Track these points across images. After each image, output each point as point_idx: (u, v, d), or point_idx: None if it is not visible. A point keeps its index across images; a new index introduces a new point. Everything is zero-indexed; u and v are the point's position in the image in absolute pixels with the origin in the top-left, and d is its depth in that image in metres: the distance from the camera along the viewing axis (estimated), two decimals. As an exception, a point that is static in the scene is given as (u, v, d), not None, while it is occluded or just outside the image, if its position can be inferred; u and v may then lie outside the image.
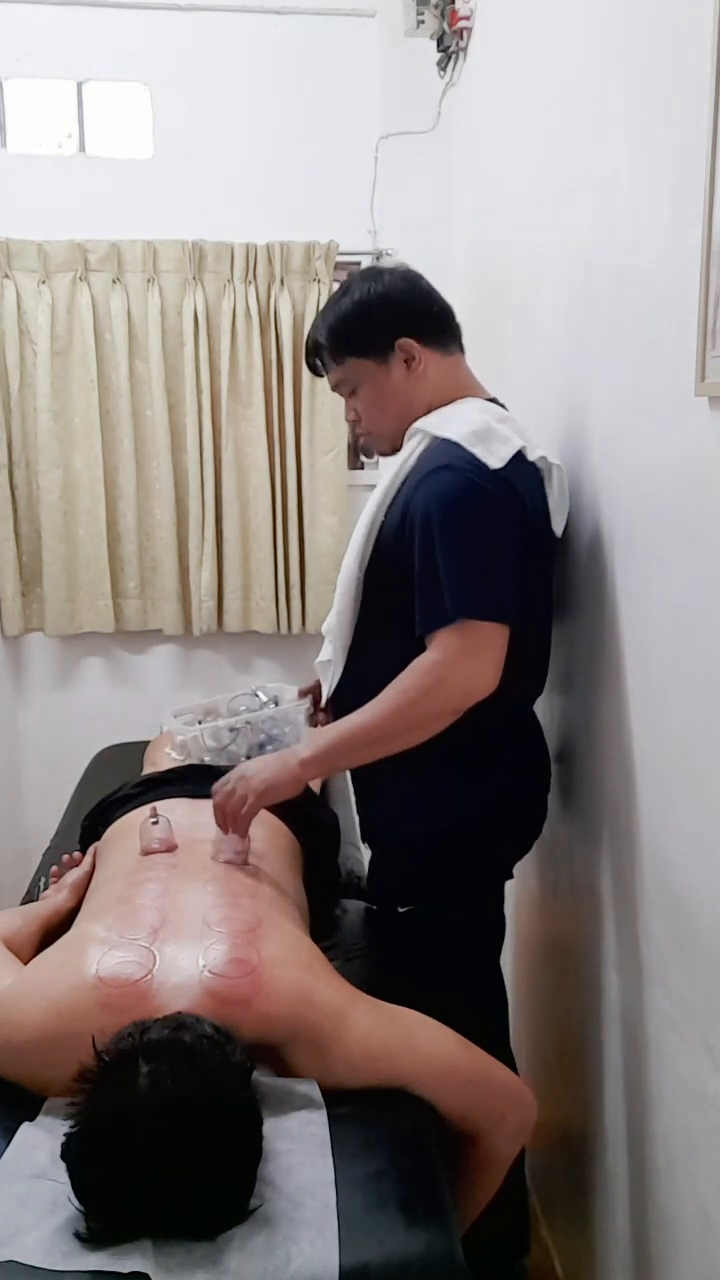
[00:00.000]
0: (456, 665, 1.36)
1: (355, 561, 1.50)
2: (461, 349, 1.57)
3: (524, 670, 1.48)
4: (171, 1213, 0.97)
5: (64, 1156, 1.00)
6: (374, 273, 1.57)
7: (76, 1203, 0.99)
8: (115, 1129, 0.97)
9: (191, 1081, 0.99)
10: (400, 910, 1.61)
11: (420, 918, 1.58)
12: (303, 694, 1.87)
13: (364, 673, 1.50)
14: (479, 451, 1.37)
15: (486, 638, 1.36)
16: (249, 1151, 1.04)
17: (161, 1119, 0.96)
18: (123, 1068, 1.00)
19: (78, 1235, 0.98)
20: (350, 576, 1.51)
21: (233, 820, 1.47)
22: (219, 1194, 1.00)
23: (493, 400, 1.55)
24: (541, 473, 1.45)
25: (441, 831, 1.52)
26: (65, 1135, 1.00)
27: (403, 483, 1.46)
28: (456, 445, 1.38)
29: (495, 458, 1.37)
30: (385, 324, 1.49)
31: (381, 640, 1.50)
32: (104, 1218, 0.98)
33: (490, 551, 1.35)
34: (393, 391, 1.52)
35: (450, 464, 1.38)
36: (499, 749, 1.52)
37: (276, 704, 1.98)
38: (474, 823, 1.52)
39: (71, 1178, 1.00)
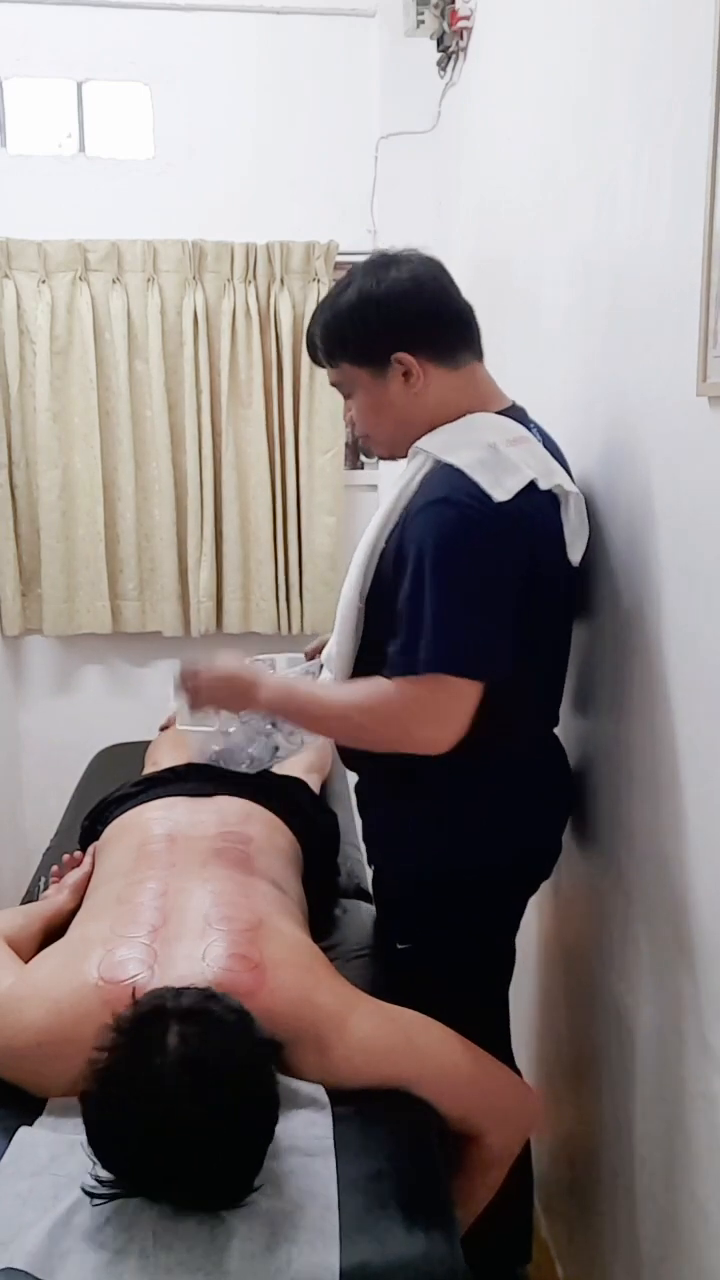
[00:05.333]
0: (415, 719, 1.29)
1: (355, 592, 1.41)
2: (478, 356, 1.43)
3: (534, 710, 1.45)
4: (183, 1175, 0.98)
5: (84, 1103, 1.01)
6: (380, 265, 1.38)
7: (89, 1153, 1.00)
8: (143, 1081, 0.98)
9: (220, 1047, 1.01)
10: (399, 947, 1.57)
11: (418, 955, 1.53)
12: (310, 655, 1.80)
13: None
14: (484, 482, 1.25)
15: (455, 694, 1.27)
16: (265, 1126, 1.05)
17: (189, 1078, 0.98)
18: (153, 1024, 1.02)
19: (84, 1190, 1.00)
20: (350, 606, 1.42)
21: (191, 690, 1.47)
22: (232, 1162, 1.00)
23: (512, 409, 1.43)
24: (558, 500, 1.33)
25: (440, 874, 1.46)
26: (88, 1084, 1.01)
27: (404, 509, 1.35)
28: (460, 474, 1.26)
29: (502, 489, 1.25)
30: (381, 333, 1.35)
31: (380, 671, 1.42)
32: (116, 1171, 0.99)
33: (480, 601, 1.25)
34: (389, 404, 1.39)
35: (449, 496, 1.26)
36: (503, 789, 1.44)
37: (274, 668, 1.89)
38: (470, 866, 1.45)
39: (89, 1126, 1.01)
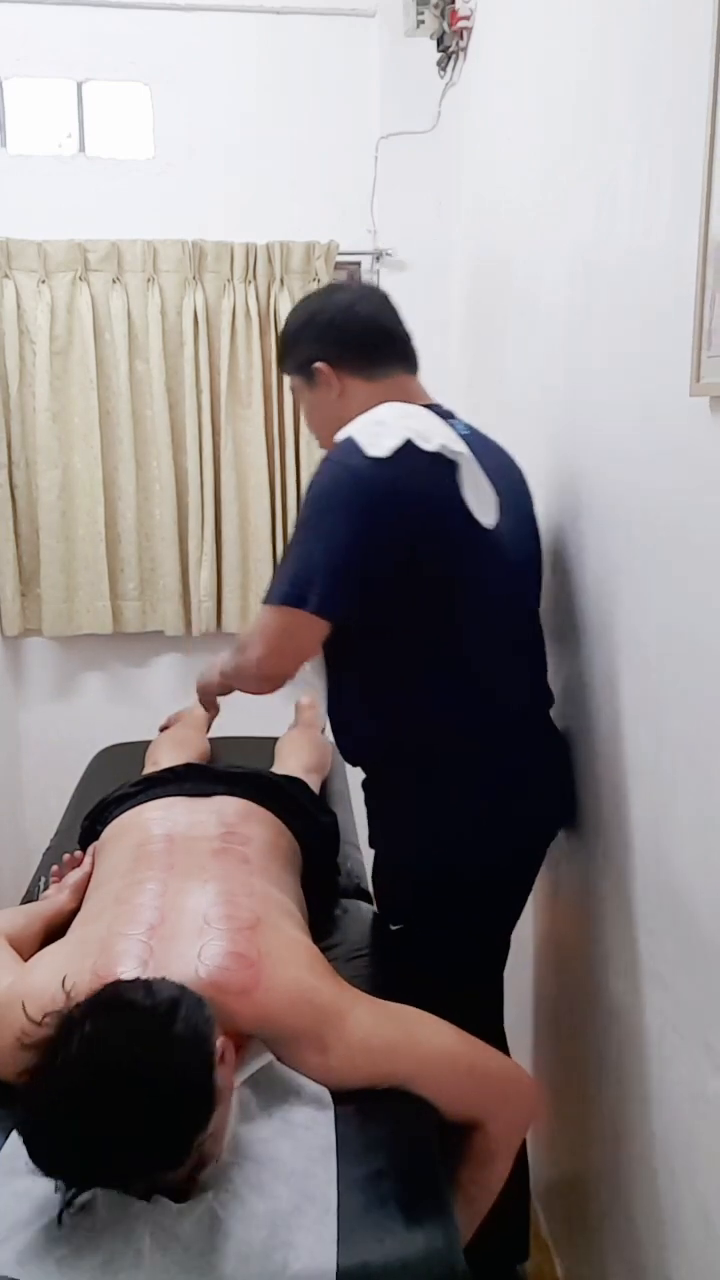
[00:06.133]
0: (253, 643, 1.47)
1: None
2: (408, 369, 1.58)
3: (480, 675, 1.47)
4: (104, 1172, 0.98)
5: (16, 1126, 1.01)
6: (325, 292, 1.64)
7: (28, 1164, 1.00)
8: (45, 1084, 0.99)
9: (119, 1023, 1.01)
10: (393, 928, 1.63)
11: (409, 935, 1.59)
12: None
13: (334, 704, 1.61)
14: (364, 442, 1.38)
15: (285, 624, 1.41)
16: (177, 1115, 1.00)
17: (83, 1073, 0.97)
18: (62, 1031, 1.02)
19: (59, 1212, 1.00)
20: None
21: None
22: (141, 1157, 0.98)
23: (432, 406, 1.53)
24: (453, 463, 1.40)
25: (426, 850, 1.52)
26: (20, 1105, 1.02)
27: None
28: (348, 439, 1.40)
29: (378, 448, 1.37)
30: (307, 348, 1.56)
31: (342, 672, 1.57)
32: (47, 1168, 0.99)
33: (327, 542, 1.37)
34: (318, 407, 1.59)
35: (331, 455, 1.41)
36: (482, 764, 1.50)
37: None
38: (450, 844, 1.51)
39: (25, 1143, 1.00)
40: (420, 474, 1.38)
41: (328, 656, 1.55)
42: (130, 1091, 0.97)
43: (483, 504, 1.43)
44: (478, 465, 1.44)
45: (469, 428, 1.54)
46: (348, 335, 1.54)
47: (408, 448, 1.37)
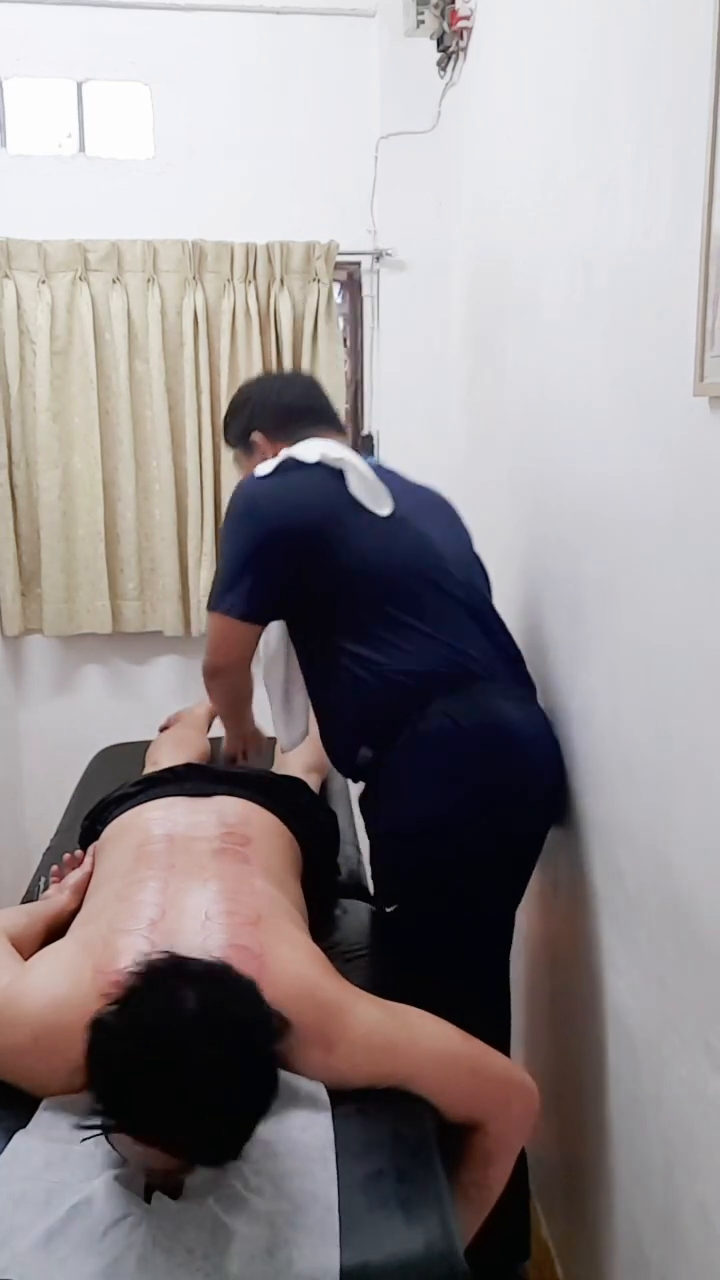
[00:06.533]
0: (208, 646, 1.77)
1: None
2: (328, 429, 1.83)
3: (385, 641, 1.63)
4: (181, 1119, 0.98)
5: (93, 1041, 1.02)
6: (258, 377, 2.12)
7: (91, 1094, 1.01)
8: (164, 1017, 1.00)
9: (236, 1002, 1.04)
10: (388, 911, 1.67)
11: (404, 916, 1.63)
12: None
13: (320, 724, 1.83)
14: (257, 470, 1.70)
15: (227, 629, 1.70)
16: (267, 1090, 1.05)
17: (207, 1023, 0.99)
18: (171, 973, 1.04)
19: (76, 1126, 1.01)
20: None
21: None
22: (229, 1118, 1.01)
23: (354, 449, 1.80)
24: (338, 469, 1.67)
25: (408, 820, 1.61)
26: (95, 1024, 1.02)
27: None
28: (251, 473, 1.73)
29: (265, 469, 1.69)
30: (244, 420, 1.88)
31: (308, 684, 1.81)
32: (112, 1103, 0.99)
33: (241, 558, 1.67)
34: (252, 468, 1.79)
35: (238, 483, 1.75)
36: (437, 740, 1.60)
37: None
38: (414, 818, 1.61)
39: (96, 1054, 1.01)
40: (300, 479, 1.67)
41: (307, 678, 1.79)
42: (236, 1075, 1.00)
43: (375, 496, 1.67)
44: (368, 470, 1.69)
45: (380, 465, 1.79)
46: (278, 410, 1.85)
47: (288, 462, 1.68)
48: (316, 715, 1.82)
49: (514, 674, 1.72)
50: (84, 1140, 1.01)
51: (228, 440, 1.97)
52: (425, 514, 1.75)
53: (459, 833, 1.57)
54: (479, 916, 1.64)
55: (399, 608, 1.64)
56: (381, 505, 1.67)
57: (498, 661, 1.69)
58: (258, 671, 1.87)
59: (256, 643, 1.75)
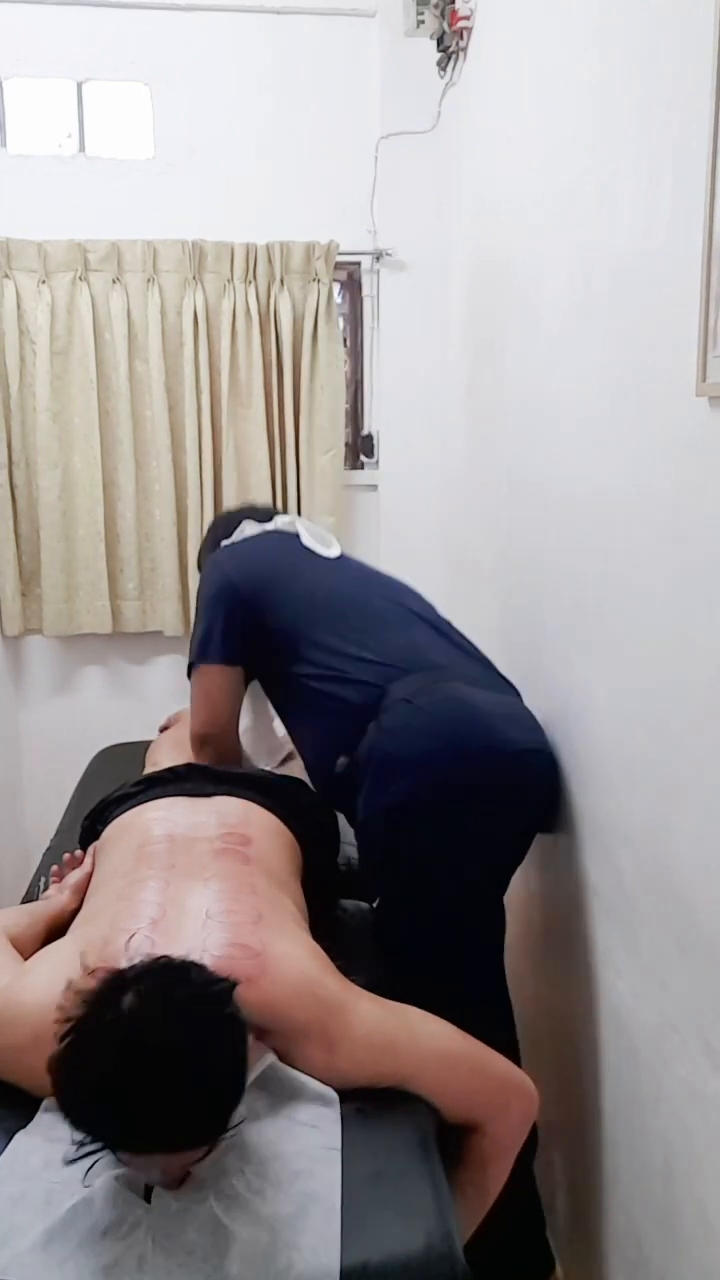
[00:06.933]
0: (193, 710, 1.87)
1: None
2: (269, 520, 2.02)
3: (361, 658, 1.71)
4: (151, 1114, 0.96)
5: (50, 1069, 1.00)
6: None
7: (69, 1125, 0.99)
8: (99, 1033, 0.98)
9: (174, 985, 1.02)
10: (373, 906, 1.69)
11: (386, 908, 1.66)
12: None
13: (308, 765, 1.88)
14: (225, 541, 1.96)
15: (209, 683, 1.82)
16: (232, 1048, 1.02)
17: (145, 1021, 0.97)
18: (113, 987, 1.02)
19: (66, 1161, 0.99)
20: None
21: None
22: (205, 1091, 0.99)
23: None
24: (289, 534, 1.93)
25: (377, 807, 1.62)
26: (50, 1065, 1.00)
27: None
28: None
29: (230, 539, 1.96)
30: (209, 550, 2.03)
31: (287, 722, 1.91)
32: (88, 1128, 0.98)
33: (210, 614, 1.81)
34: None
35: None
36: (400, 725, 1.63)
37: None
38: (382, 805, 1.62)
39: (58, 1088, 1.00)
40: (258, 540, 1.93)
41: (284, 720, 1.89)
42: (190, 1050, 0.98)
43: (324, 542, 1.92)
44: (307, 526, 1.94)
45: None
46: (229, 521, 2.06)
47: (249, 528, 1.96)
48: (298, 750, 1.89)
49: (482, 673, 1.75)
50: (72, 1162, 0.99)
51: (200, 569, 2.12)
52: (372, 569, 1.96)
53: (428, 815, 1.57)
54: (463, 901, 1.63)
55: (360, 624, 1.75)
56: (331, 549, 1.92)
57: (462, 662, 1.74)
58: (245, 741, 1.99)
59: (240, 695, 1.84)
